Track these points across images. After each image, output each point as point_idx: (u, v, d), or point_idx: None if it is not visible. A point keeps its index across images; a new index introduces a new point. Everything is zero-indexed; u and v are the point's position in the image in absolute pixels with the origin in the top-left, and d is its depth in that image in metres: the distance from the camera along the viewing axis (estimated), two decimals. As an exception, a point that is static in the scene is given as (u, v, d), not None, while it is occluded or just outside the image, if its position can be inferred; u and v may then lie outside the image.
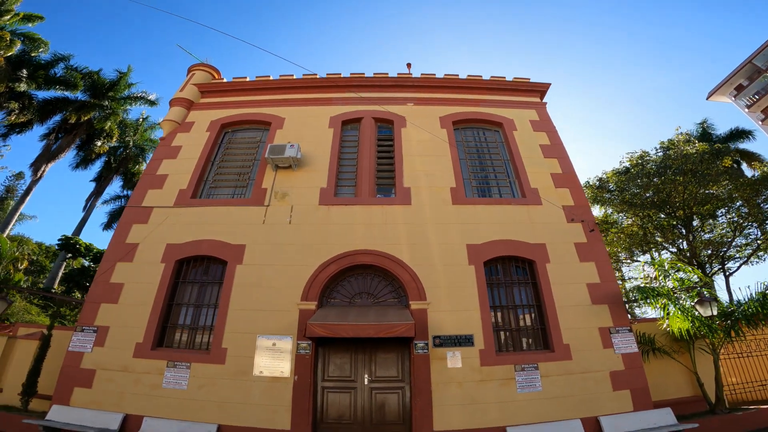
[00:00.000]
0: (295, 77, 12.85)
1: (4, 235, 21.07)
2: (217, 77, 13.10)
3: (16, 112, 20.43)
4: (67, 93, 25.11)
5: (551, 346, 8.41)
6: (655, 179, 15.89)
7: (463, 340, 8.33)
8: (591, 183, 19.19)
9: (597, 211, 19.12)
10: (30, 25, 22.66)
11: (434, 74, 13.05)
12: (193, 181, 10.36)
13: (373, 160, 11.07)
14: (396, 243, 9.36)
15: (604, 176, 18.79)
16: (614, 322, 8.63)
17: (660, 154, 17.33)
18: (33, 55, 23.12)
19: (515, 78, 13.11)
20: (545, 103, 12.86)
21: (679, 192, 15.50)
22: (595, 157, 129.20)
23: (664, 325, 8.72)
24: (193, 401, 7.73)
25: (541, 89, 13.03)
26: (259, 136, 11.76)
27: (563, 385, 7.90)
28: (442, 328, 8.41)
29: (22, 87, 22.56)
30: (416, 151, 11.11)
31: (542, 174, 10.77)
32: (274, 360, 8.10)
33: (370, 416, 7.93)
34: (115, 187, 29.76)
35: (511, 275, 9.52)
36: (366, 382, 8.22)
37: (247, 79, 12.73)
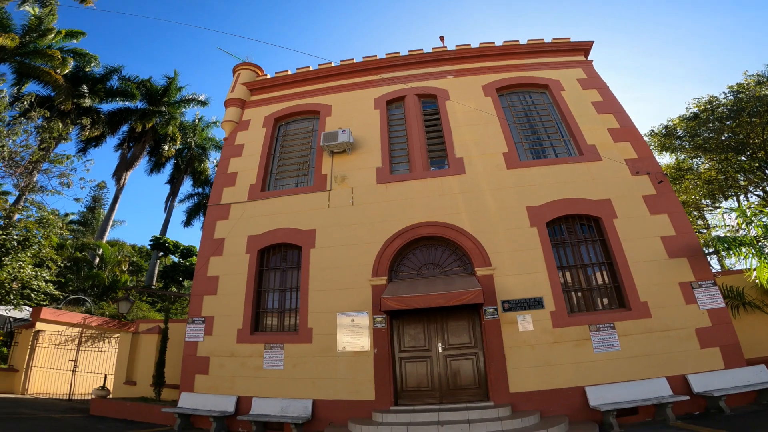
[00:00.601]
0: (333, 65, 13.09)
1: (103, 242, 24.00)
2: (260, 74, 13.61)
3: (89, 126, 22.34)
4: (128, 103, 27.18)
5: (627, 304, 8.31)
6: (728, 122, 14.69)
7: (532, 303, 8.48)
8: (656, 131, 18.04)
9: (667, 158, 18.01)
10: (75, 41, 23.93)
11: (469, 44, 12.85)
12: (260, 176, 11.08)
13: (422, 134, 11.22)
14: (455, 212, 9.60)
15: (671, 123, 17.59)
16: (696, 276, 8.29)
17: (730, 97, 16.16)
18: (87, 70, 24.77)
19: (554, 39, 12.65)
20: (591, 61, 12.41)
21: (758, 134, 14.29)
22: (654, 104, 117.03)
23: (752, 277, 8.20)
24: (289, 379, 8.64)
25: (584, 48, 12.61)
26: (311, 125, 12.25)
27: (644, 344, 7.83)
28: (510, 293, 8.61)
29: (87, 102, 24.56)
30: (463, 121, 11.14)
31: (598, 130, 10.43)
32: (354, 336, 8.80)
33: (447, 382, 8.45)
34: (186, 186, 32.16)
35: (577, 234, 9.40)
36: (440, 350, 8.72)
37: (289, 72, 13.14)
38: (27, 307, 16.98)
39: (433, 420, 7.12)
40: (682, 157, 17.16)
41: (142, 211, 79.74)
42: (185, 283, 24.13)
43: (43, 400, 11.38)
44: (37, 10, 21.25)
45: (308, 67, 13.22)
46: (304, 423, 7.95)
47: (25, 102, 16.94)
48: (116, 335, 13.53)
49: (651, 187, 9.38)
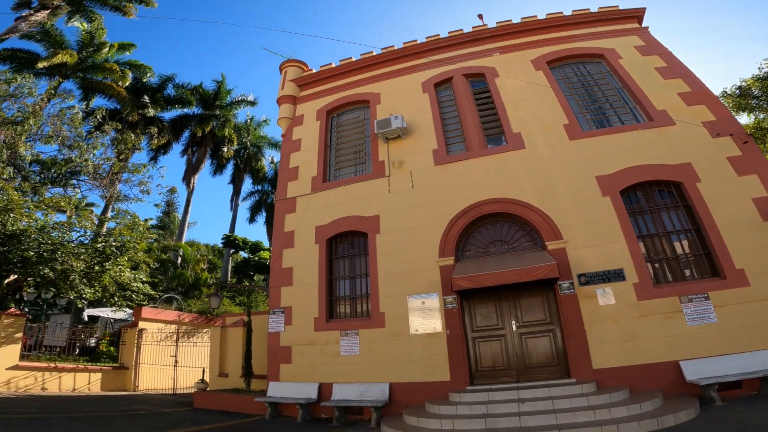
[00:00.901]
0: (374, 53, 13.06)
1: (182, 243, 26.07)
2: (306, 69, 13.89)
3: (156, 135, 23.87)
4: (186, 110, 28.80)
5: (721, 272, 7.69)
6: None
7: (612, 276, 8.09)
8: (729, 92, 16.44)
9: (745, 118, 16.40)
10: (127, 53, 24.97)
11: (511, 20, 12.47)
12: (320, 167, 11.41)
13: (474, 113, 11.06)
14: (518, 187, 9.41)
15: (744, 84, 15.97)
16: (797, 238, 7.46)
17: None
18: (144, 81, 26.12)
19: (601, 8, 12.11)
20: (646, 28, 11.80)
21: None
22: (715, 66, 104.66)
23: None
24: (366, 364, 8.92)
25: (636, 15, 12.04)
26: (362, 114, 12.39)
27: (744, 315, 7.21)
28: (585, 266, 8.28)
29: (151, 112, 26.08)
30: (516, 96, 10.87)
31: (667, 96, 9.87)
32: (426, 318, 8.89)
33: (522, 361, 8.33)
34: (247, 184, 33.53)
35: (656, 201, 8.81)
36: (514, 328, 8.60)
37: (333, 65, 13.30)
38: (125, 308, 18.92)
39: (512, 398, 7.06)
40: (762, 116, 15.52)
41: (209, 212, 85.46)
42: (255, 277, 25.64)
43: (151, 396, 12.49)
44: (85, 25, 22.31)
45: (350, 58, 13.29)
46: (383, 406, 8.16)
47: (97, 116, 18.45)
48: (206, 330, 14.72)
49: (735, 148, 8.70)
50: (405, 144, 10.84)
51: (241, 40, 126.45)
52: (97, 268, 11.70)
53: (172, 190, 21.97)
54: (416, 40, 12.85)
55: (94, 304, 12.86)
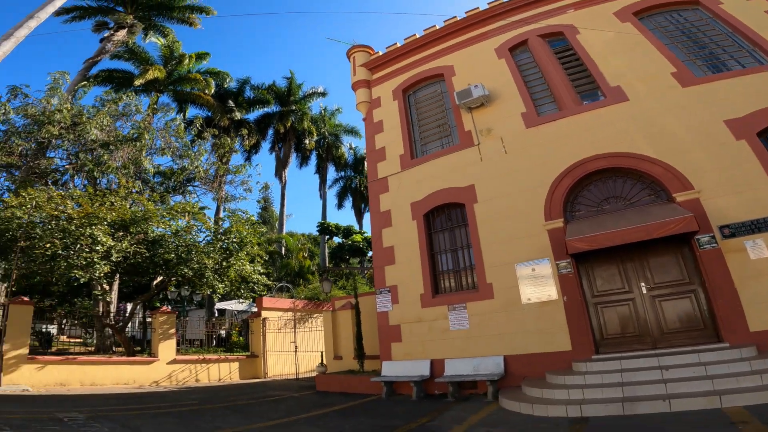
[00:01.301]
0: (437, 27, 12.51)
1: (283, 234, 28.09)
2: (372, 53, 13.88)
3: (247, 136, 25.75)
4: (266, 109, 30.52)
5: None
6: None
7: (762, 225, 6.93)
8: None
9: None
10: (204, 62, 26.41)
11: None
12: (406, 145, 11.37)
13: (560, 72, 10.33)
14: (628, 140, 8.57)
15: None
16: None
17: None
18: (225, 87, 27.77)
19: None
20: None
21: None
22: None
23: None
24: (477, 338, 8.77)
25: None
26: (438, 88, 12.08)
27: None
28: (727, 216, 7.22)
29: (237, 115, 27.89)
30: (605, 51, 9.94)
31: None
32: (538, 285, 8.43)
33: (658, 326, 7.52)
34: (331, 172, 35.10)
35: (801, 137, 7.26)
36: (644, 291, 7.77)
37: (398, 45, 13.05)
38: (242, 299, 20.86)
39: (651, 365, 6.41)
40: None
41: (300, 203, 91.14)
42: (350, 260, 26.77)
43: (279, 382, 13.45)
44: (161, 40, 23.74)
45: (414, 35, 12.91)
46: (499, 379, 7.99)
47: (196, 125, 20.36)
48: (316, 315, 15.76)
49: None
50: (489, 111, 10.42)
51: (298, 31, 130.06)
52: (224, 263, 12.96)
53: (265, 187, 23.66)
54: (478, 8, 12.12)
55: (221, 298, 14.41)
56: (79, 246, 10.48)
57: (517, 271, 8.67)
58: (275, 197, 35.58)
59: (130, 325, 15.89)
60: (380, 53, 13.33)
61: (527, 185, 9.14)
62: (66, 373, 10.92)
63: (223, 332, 19.54)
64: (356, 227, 28.12)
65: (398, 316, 9.92)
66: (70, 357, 11.71)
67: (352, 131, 33.69)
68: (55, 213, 10.85)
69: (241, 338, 17.20)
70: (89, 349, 16.72)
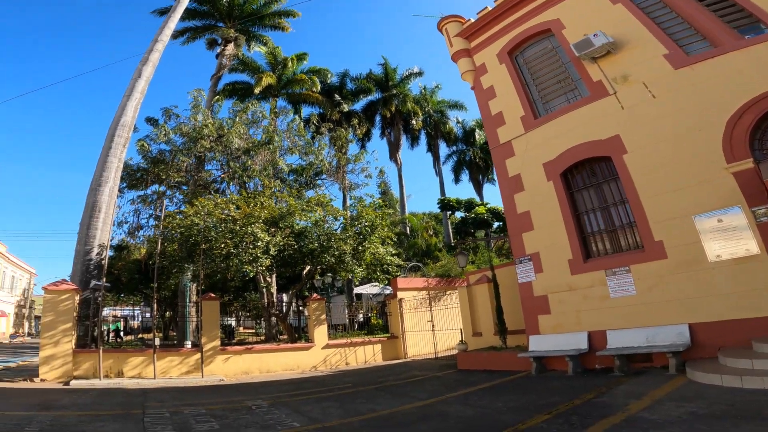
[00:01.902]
0: None
1: (406, 215, 28.54)
2: (464, 22, 13.08)
3: (358, 126, 26.68)
4: (369, 97, 31.36)
5: None
6: None
7: None
8: None
9: None
10: (305, 62, 27.38)
11: None
12: (526, 106, 10.62)
13: (701, 9, 8.65)
14: None
15: None
16: None
17: None
18: (328, 82, 28.86)
19: None
20: None
21: None
22: None
23: None
24: (647, 305, 7.68)
25: None
26: (547, 44, 11.04)
27: None
28: None
29: (345, 107, 29.03)
30: None
31: None
32: (729, 239, 6.95)
33: None
34: (442, 149, 34.90)
35: None
36: None
37: (489, 8, 12.05)
38: (378, 282, 21.61)
39: None
40: None
41: (415, 183, 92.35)
42: (475, 234, 25.97)
43: (419, 362, 13.57)
44: (263, 48, 25.25)
45: None
46: (684, 350, 6.90)
47: (313, 122, 21.76)
48: (448, 292, 15.51)
49: None
50: (618, 58, 9.20)
51: (378, 14, 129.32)
52: (360, 248, 13.57)
53: (381, 172, 24.23)
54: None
55: (361, 282, 15.09)
56: (244, 244, 11.84)
57: (697, 224, 7.28)
58: (392, 180, 36.65)
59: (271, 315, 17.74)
60: (472, 20, 12.63)
61: (689, 127, 7.81)
62: (248, 362, 12.33)
63: (361, 316, 20.62)
64: (477, 199, 27.22)
65: (543, 285, 9.25)
66: (249, 347, 13.18)
67: (456, 105, 33.35)
68: (222, 217, 12.42)
69: (379, 320, 17.84)
70: (260, 338, 19.08)
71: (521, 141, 10.42)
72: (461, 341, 11.56)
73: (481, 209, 24.70)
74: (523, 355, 8.96)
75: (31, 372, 11.19)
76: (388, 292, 21.51)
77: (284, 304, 18.60)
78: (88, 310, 11.46)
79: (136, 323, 30.07)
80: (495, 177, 37.09)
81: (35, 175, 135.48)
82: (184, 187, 17.71)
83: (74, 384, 9.54)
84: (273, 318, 16.24)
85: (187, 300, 16.22)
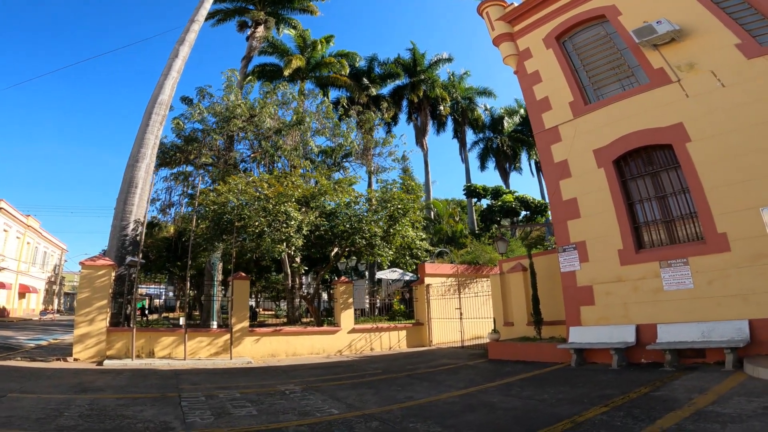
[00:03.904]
0: None
1: (431, 201, 28.13)
2: (505, 6, 12.59)
3: (386, 110, 26.31)
4: (397, 82, 31.00)
5: None
6: None
7: None
8: None
9: None
10: (332, 45, 27.12)
11: None
12: (575, 91, 10.21)
13: None
14: None
15: None
16: None
17: None
18: (356, 66, 28.51)
19: None
20: None
21: None
22: None
23: None
24: (704, 299, 7.30)
25: None
26: (600, 30, 10.54)
27: None
28: None
29: (373, 91, 28.80)
30: None
31: None
32: (799, 234, 6.42)
33: None
34: (469, 135, 34.61)
35: None
36: None
37: None
38: (396, 268, 21.30)
39: None
40: None
41: (440, 169, 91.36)
42: (502, 222, 25.47)
43: (446, 350, 13.29)
44: (292, 31, 25.38)
45: None
46: (744, 347, 6.57)
47: (342, 104, 21.55)
48: (476, 280, 15.14)
49: None
50: (684, 46, 8.71)
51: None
52: (391, 231, 13.35)
53: (403, 158, 23.85)
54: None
55: (389, 265, 14.80)
56: (277, 222, 11.72)
57: (765, 217, 6.81)
58: (417, 165, 36.75)
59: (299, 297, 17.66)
60: (515, 4, 12.17)
61: (760, 118, 7.32)
62: (275, 344, 12.21)
63: (377, 301, 20.46)
64: (504, 187, 26.72)
65: (589, 275, 8.86)
66: (278, 329, 13.02)
67: (485, 92, 33.11)
68: (256, 195, 12.28)
69: (401, 306, 17.66)
70: (281, 320, 19.15)
71: (569, 127, 10.02)
72: (494, 330, 11.22)
73: (509, 197, 24.18)
74: (564, 347, 8.65)
75: (63, 351, 11.38)
76: (407, 278, 21.28)
77: (311, 286, 18.59)
78: (122, 287, 11.52)
79: (159, 302, 30.66)
80: (522, 166, 37.10)
81: (67, 153, 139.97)
82: (210, 168, 17.75)
83: (107, 364, 9.50)
84: (297, 300, 16.22)
85: (214, 279, 16.31)
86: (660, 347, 7.25)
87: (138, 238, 12.16)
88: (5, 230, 34.04)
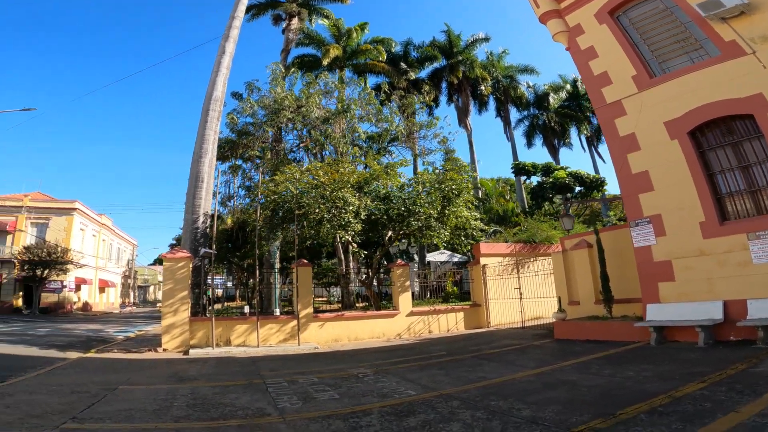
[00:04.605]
0: None
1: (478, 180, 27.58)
2: None
3: (426, 92, 25.94)
4: (435, 64, 30.56)
5: None
6: None
7: None
8: None
9: None
10: (367, 32, 27.01)
11: None
12: (638, 65, 9.82)
13: None
14: None
15: None
16: None
17: None
18: (392, 51, 28.35)
19: None
20: None
21: None
22: None
23: None
24: None
25: None
26: (659, 4, 9.97)
27: None
28: None
29: (412, 75, 28.57)
30: None
31: None
32: None
33: None
34: (513, 114, 33.90)
35: None
36: None
37: None
38: (445, 251, 21.02)
39: None
40: None
41: (482, 149, 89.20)
42: (554, 199, 24.62)
43: (506, 331, 13.04)
44: (325, 21, 25.60)
45: None
46: None
47: (384, 89, 21.44)
48: (532, 258, 14.77)
49: None
50: (755, 19, 8.19)
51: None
52: (446, 212, 13.24)
53: (443, 140, 23.46)
54: None
55: (430, 249, 14.74)
56: (336, 209, 11.88)
57: None
58: (461, 146, 36.46)
59: (357, 282, 17.92)
60: None
61: None
62: (338, 330, 12.40)
63: (429, 283, 20.40)
64: (555, 164, 25.86)
65: (666, 250, 8.47)
66: (339, 314, 13.10)
67: (526, 70, 32.48)
68: (313, 183, 12.45)
69: (455, 288, 17.51)
70: (334, 306, 19.50)
71: (634, 100, 9.66)
72: (559, 309, 10.95)
73: (561, 173, 23.27)
74: (641, 325, 8.34)
75: (151, 341, 12.20)
76: (456, 260, 21.14)
77: (359, 271, 18.91)
78: (198, 278, 12.14)
79: (219, 292, 32.32)
80: (572, 141, 35.80)
81: (125, 154, 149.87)
82: (258, 161, 18.35)
83: (192, 353, 9.99)
84: (351, 285, 16.52)
85: (274, 268, 16.92)
86: (752, 323, 6.86)
87: (208, 230, 12.85)
88: (82, 229, 36.70)
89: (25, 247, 28.67)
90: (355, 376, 6.87)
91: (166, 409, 4.89)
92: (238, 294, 29.18)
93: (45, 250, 28.34)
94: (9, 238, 31.70)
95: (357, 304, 16.96)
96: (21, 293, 31.44)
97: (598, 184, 23.84)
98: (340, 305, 18.71)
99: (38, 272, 28.24)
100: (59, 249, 29.20)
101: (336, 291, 28.98)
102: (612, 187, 25.45)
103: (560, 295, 11.99)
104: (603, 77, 10.44)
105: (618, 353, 7.59)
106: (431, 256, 23.20)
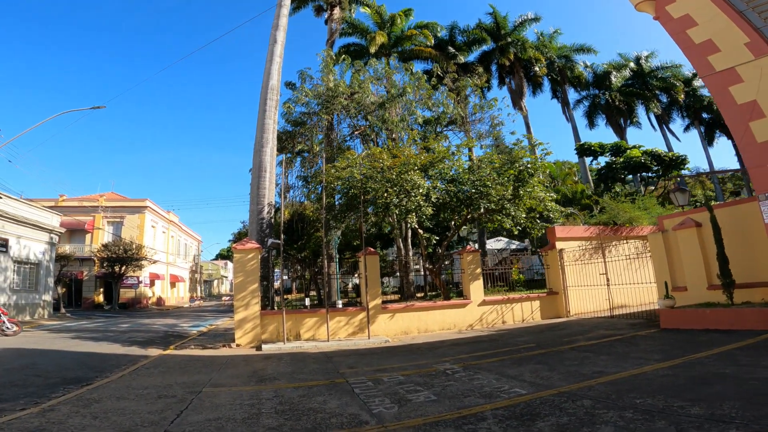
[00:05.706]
0: None
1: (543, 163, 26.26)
2: None
3: (479, 75, 24.85)
4: (484, 47, 29.34)
5: None
6: None
7: None
8: None
9: None
10: (411, 18, 26.27)
11: None
12: (750, 33, 8.94)
13: None
14: None
15: None
16: None
17: None
18: (438, 35, 27.38)
19: None
20: None
21: None
22: None
23: None
24: None
25: None
26: None
27: None
28: None
29: (461, 59, 27.47)
30: None
31: None
32: None
33: None
34: (571, 94, 32.34)
35: None
36: None
37: None
38: (502, 238, 19.67)
39: None
40: None
41: (540, 130, 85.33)
42: (626, 179, 22.73)
43: (592, 320, 11.89)
44: (367, 9, 25.11)
45: None
46: None
47: (436, 73, 20.63)
48: (616, 242, 13.40)
49: None
50: None
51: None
52: (520, 192, 12.27)
53: (498, 124, 22.31)
54: None
55: (517, 231, 13.49)
56: (404, 192, 11.25)
57: None
58: (518, 129, 34.97)
59: (424, 269, 17.31)
60: None
61: None
62: (407, 321, 11.79)
63: (492, 271, 19.32)
64: (625, 143, 23.93)
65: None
66: (408, 305, 12.42)
67: (582, 49, 30.95)
68: (379, 166, 11.82)
69: (521, 276, 16.37)
70: (391, 297, 18.95)
71: (751, 67, 8.77)
72: (666, 296, 9.64)
73: (635, 152, 21.32)
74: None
75: (224, 336, 12.16)
76: (513, 246, 19.93)
77: (430, 258, 18.25)
78: (266, 270, 11.84)
79: (277, 284, 32.79)
80: (640, 120, 33.26)
81: (181, 156, 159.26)
82: (312, 151, 18.14)
83: (265, 349, 9.72)
84: (412, 275, 15.94)
85: (336, 259, 16.58)
86: None
87: (272, 220, 12.67)
88: (152, 226, 38.54)
89: (103, 245, 30.13)
90: (443, 373, 6.26)
91: (255, 417, 4.45)
92: (294, 286, 29.50)
93: (121, 247, 29.68)
94: (87, 237, 33.87)
95: (418, 294, 16.40)
96: (101, 289, 33.47)
97: (678, 162, 21.60)
98: (397, 296, 18.15)
99: (116, 269, 29.60)
100: (134, 245, 30.52)
101: (389, 281, 28.55)
102: (696, 164, 23.32)
103: (660, 280, 10.68)
104: (707, 45, 9.62)
105: (759, 343, 6.59)
106: (489, 243, 22.15)
